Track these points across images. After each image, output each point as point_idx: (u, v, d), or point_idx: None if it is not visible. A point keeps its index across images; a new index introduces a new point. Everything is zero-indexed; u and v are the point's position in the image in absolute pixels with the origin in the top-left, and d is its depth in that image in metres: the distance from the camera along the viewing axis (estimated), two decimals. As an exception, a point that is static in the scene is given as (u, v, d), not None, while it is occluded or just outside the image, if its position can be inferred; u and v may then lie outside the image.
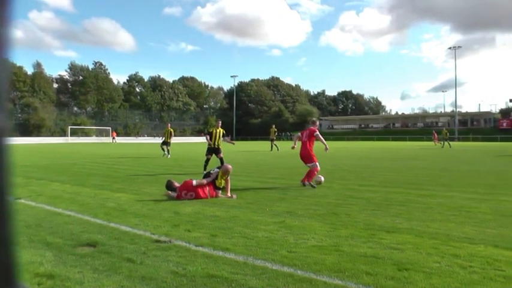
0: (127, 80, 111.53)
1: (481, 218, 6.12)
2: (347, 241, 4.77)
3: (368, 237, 4.93)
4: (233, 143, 15.76)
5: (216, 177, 8.31)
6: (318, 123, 10.94)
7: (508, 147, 39.81)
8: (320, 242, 4.71)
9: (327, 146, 10.71)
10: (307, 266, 3.85)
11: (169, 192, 8.42)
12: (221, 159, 13.79)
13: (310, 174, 9.93)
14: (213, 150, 13.93)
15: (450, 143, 40.35)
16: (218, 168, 8.61)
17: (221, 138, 14.19)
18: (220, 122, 14.90)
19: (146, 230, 5.30)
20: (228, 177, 8.49)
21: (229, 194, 8.31)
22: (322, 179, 10.32)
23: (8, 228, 0.73)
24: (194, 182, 8.10)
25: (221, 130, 14.23)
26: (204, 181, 8.26)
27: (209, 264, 3.93)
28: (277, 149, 30.42)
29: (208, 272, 3.68)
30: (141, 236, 5.00)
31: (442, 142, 40.36)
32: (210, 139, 13.89)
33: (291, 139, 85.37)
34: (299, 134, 10.80)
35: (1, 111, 0.75)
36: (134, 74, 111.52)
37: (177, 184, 8.34)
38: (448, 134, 39.73)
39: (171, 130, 23.51)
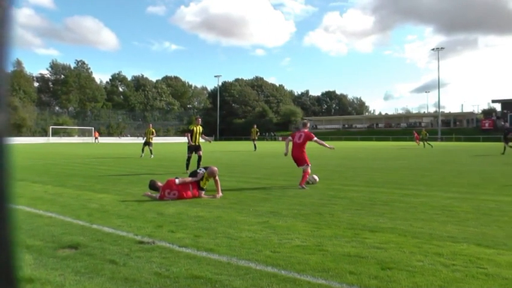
0: (110, 79, 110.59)
1: (464, 217, 6.21)
2: (331, 241, 4.79)
3: (352, 237, 4.96)
4: (210, 141, 15.61)
5: (202, 178, 8.29)
6: (309, 124, 10.96)
7: (490, 147, 40.51)
8: (304, 242, 4.73)
9: (331, 146, 11.26)
10: (291, 266, 3.86)
11: (149, 192, 8.37)
12: (200, 157, 13.73)
13: (303, 177, 9.90)
14: (194, 148, 13.87)
15: (431, 143, 40.89)
16: (205, 169, 8.58)
17: (201, 136, 14.16)
18: (200, 119, 14.76)
19: (129, 231, 5.25)
20: (217, 177, 8.49)
21: (220, 194, 8.31)
22: (317, 178, 10.42)
23: (8, 229, 0.73)
24: (177, 181, 8.07)
25: (200, 127, 14.19)
26: (188, 179, 8.23)
27: (193, 265, 3.90)
28: (255, 149, 30.62)
29: (191, 273, 3.66)
30: (124, 237, 4.95)
31: (422, 142, 40.93)
32: (191, 137, 13.82)
33: (275, 139, 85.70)
34: (289, 137, 10.76)
35: (2, 112, 0.75)
36: (117, 73, 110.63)
37: (160, 184, 8.28)
38: (427, 134, 40.41)
39: (153, 130, 23.36)
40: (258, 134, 32.42)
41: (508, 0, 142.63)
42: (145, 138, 23.51)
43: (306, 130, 10.55)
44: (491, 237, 4.92)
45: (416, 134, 45.68)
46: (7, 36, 0.74)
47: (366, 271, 3.70)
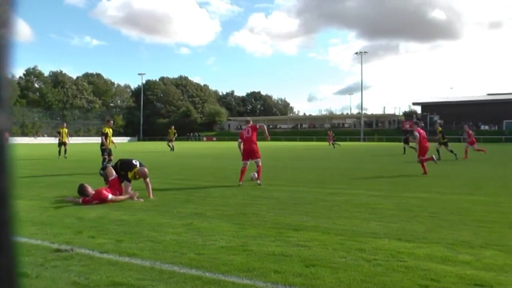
0: (24, 74, 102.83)
1: (385, 213, 6.56)
2: (255, 240, 4.86)
3: (276, 236, 5.07)
4: (115, 146, 14.90)
5: (131, 170, 8.15)
6: (251, 122, 11.27)
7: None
8: (228, 243, 4.76)
9: (268, 137, 11.59)
10: (216, 268, 3.87)
11: (71, 197, 7.94)
12: (111, 161, 13.30)
13: (258, 172, 10.50)
14: (108, 150, 13.61)
15: (335, 144, 43.30)
16: (141, 165, 8.35)
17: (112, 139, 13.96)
18: (111, 121, 14.61)
19: (45, 239, 4.94)
20: (148, 180, 8.31)
21: (151, 196, 8.17)
22: (256, 175, 10.73)
23: (10, 231, 0.72)
24: (110, 197, 7.64)
25: (111, 130, 14.05)
26: (119, 198, 7.80)
27: (114, 271, 3.78)
28: (172, 150, 30.76)
29: (113, 280, 3.55)
30: (39, 246, 4.66)
31: (332, 143, 43.26)
32: (106, 140, 13.55)
33: (199, 139, 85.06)
34: (239, 139, 10.95)
35: (3, 112, 0.72)
36: (32, 68, 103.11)
37: (91, 190, 7.74)
38: (334, 135, 43.49)
39: (66, 130, 22.64)
40: (176, 135, 32.34)
41: (427, 10, 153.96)
42: (59, 138, 22.50)
43: (251, 125, 10.94)
44: (411, 232, 5.25)
45: (330, 135, 47.90)
46: (9, 37, 0.71)
47: (290, 269, 3.81)
